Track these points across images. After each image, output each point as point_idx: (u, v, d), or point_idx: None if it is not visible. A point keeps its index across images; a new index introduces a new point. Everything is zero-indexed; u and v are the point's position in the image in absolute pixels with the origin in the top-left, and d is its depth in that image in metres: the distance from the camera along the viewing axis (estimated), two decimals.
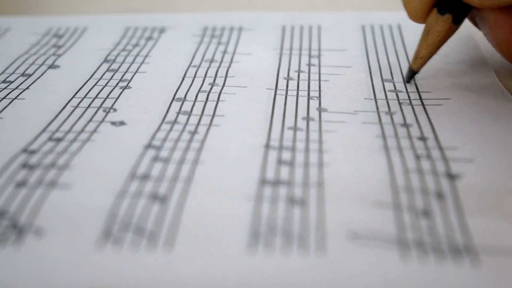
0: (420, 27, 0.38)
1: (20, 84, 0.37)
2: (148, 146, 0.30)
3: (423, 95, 0.35)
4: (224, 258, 0.23)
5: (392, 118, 0.32)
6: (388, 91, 0.35)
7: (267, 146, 0.30)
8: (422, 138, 0.30)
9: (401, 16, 0.41)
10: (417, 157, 0.29)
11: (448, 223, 0.24)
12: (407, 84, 0.36)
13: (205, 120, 0.32)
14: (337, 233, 0.24)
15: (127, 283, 0.22)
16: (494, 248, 0.23)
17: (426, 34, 0.35)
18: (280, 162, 0.28)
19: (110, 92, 0.36)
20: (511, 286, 0.22)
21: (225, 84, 0.36)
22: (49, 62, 0.40)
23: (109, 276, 0.22)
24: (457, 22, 0.35)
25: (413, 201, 0.26)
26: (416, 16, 0.36)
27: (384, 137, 0.30)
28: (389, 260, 0.23)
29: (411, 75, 0.37)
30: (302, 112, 0.33)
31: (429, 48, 0.35)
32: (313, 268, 0.23)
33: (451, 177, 0.27)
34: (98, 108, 0.34)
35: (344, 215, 0.25)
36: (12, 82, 0.37)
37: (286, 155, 0.29)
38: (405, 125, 0.31)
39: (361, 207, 0.25)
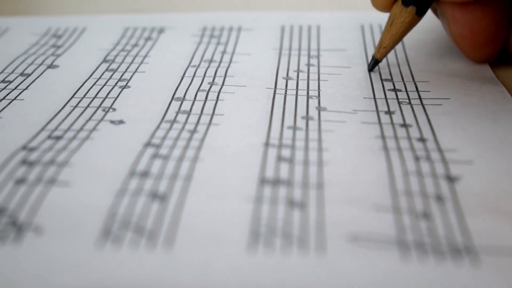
0: (421, 28, 0.38)
1: (19, 84, 0.37)
2: (148, 144, 0.30)
3: (422, 95, 0.35)
4: (224, 258, 0.23)
5: (391, 118, 0.32)
6: (387, 90, 0.35)
7: (267, 144, 0.30)
8: (422, 139, 0.30)
9: None
10: (417, 158, 0.28)
11: (448, 224, 0.24)
12: (406, 83, 0.36)
13: (205, 119, 0.32)
14: (337, 235, 0.24)
15: (126, 282, 0.22)
16: (494, 248, 0.23)
17: (390, 24, 0.37)
18: (279, 160, 0.28)
19: (109, 92, 0.36)
20: (511, 286, 0.22)
21: (224, 84, 0.37)
22: (48, 62, 0.40)
23: (109, 275, 0.22)
24: (420, 14, 0.36)
25: (413, 203, 0.26)
26: (380, 5, 0.38)
27: (383, 137, 0.30)
28: (389, 261, 0.23)
29: (374, 64, 0.38)
30: (301, 111, 0.33)
31: (392, 38, 0.37)
32: (313, 269, 0.22)
33: (450, 179, 0.27)
34: (97, 108, 0.34)
35: (344, 217, 0.25)
36: (11, 82, 0.37)
37: (285, 154, 0.29)
38: (405, 125, 0.31)
39: (361, 209, 0.25)
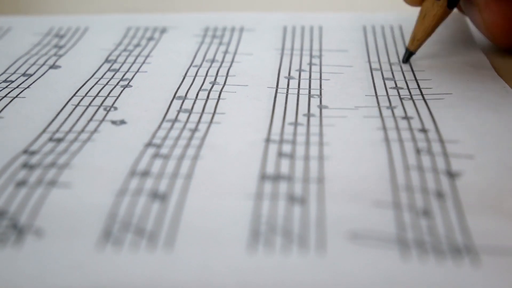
0: None
1: (21, 84, 0.37)
2: (149, 144, 0.30)
3: (424, 91, 0.35)
4: (224, 257, 0.23)
5: (393, 112, 0.32)
6: (389, 88, 0.35)
7: (268, 140, 0.30)
8: (423, 130, 0.30)
9: (402, 17, 0.41)
10: (418, 152, 0.28)
11: (448, 222, 0.24)
12: (408, 82, 0.36)
13: (206, 117, 0.32)
14: (337, 232, 0.24)
15: (127, 283, 0.22)
16: (494, 248, 0.23)
17: (422, 17, 0.38)
18: (280, 155, 0.28)
19: (111, 91, 0.36)
20: (511, 286, 0.22)
21: (226, 83, 0.37)
22: (50, 62, 0.40)
23: (109, 277, 0.22)
24: (451, 7, 0.38)
25: (413, 200, 0.25)
26: (412, 1, 0.39)
27: (385, 129, 0.30)
28: (389, 260, 0.23)
29: (408, 56, 0.39)
30: (303, 109, 0.33)
31: (425, 31, 0.38)
32: (313, 267, 0.22)
33: (451, 175, 0.27)
34: (99, 107, 0.34)
35: (344, 214, 0.25)
36: (13, 81, 0.37)
37: (286, 149, 0.29)
38: (406, 117, 0.31)
39: (361, 205, 0.25)
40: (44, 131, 0.32)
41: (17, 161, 0.29)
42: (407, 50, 0.39)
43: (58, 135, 0.31)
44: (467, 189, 0.26)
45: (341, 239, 0.24)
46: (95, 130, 0.32)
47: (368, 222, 0.24)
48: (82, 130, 0.31)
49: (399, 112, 0.32)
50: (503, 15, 0.38)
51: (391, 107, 0.33)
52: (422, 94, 0.34)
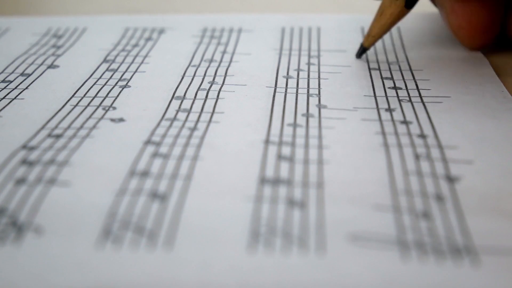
0: (422, 29, 0.38)
1: (20, 84, 0.37)
2: (148, 142, 0.30)
3: (423, 93, 0.35)
4: (224, 258, 0.23)
5: (391, 115, 0.32)
6: (388, 88, 0.35)
7: (267, 142, 0.30)
8: (422, 136, 0.30)
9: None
10: (417, 156, 0.28)
11: (448, 224, 0.24)
12: (406, 82, 0.36)
13: (205, 117, 0.32)
14: (337, 234, 0.24)
15: (127, 282, 0.22)
16: (494, 248, 0.23)
17: (379, 14, 0.38)
18: (279, 158, 0.28)
19: (110, 91, 0.36)
20: (511, 286, 0.22)
21: (225, 83, 0.37)
22: (49, 62, 0.40)
23: (109, 275, 0.22)
24: (408, 7, 0.38)
25: (413, 203, 0.25)
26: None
27: (383, 134, 0.30)
28: (389, 261, 0.23)
29: (362, 51, 0.40)
30: (301, 108, 0.33)
31: (381, 28, 0.39)
32: (313, 268, 0.22)
33: (450, 180, 0.27)
34: (98, 107, 0.34)
35: (344, 217, 0.25)
36: (11, 81, 0.37)
37: (285, 152, 0.29)
38: (405, 122, 0.31)
39: (361, 208, 0.25)
40: (43, 127, 0.32)
41: (16, 157, 0.29)
42: (361, 45, 0.39)
43: (57, 131, 0.31)
44: (466, 193, 0.26)
45: (341, 241, 0.24)
46: (94, 126, 0.32)
47: (368, 224, 0.24)
48: (81, 127, 0.31)
49: (398, 115, 0.32)
50: (468, 18, 0.38)
51: (389, 110, 0.33)
52: (420, 96, 0.34)
